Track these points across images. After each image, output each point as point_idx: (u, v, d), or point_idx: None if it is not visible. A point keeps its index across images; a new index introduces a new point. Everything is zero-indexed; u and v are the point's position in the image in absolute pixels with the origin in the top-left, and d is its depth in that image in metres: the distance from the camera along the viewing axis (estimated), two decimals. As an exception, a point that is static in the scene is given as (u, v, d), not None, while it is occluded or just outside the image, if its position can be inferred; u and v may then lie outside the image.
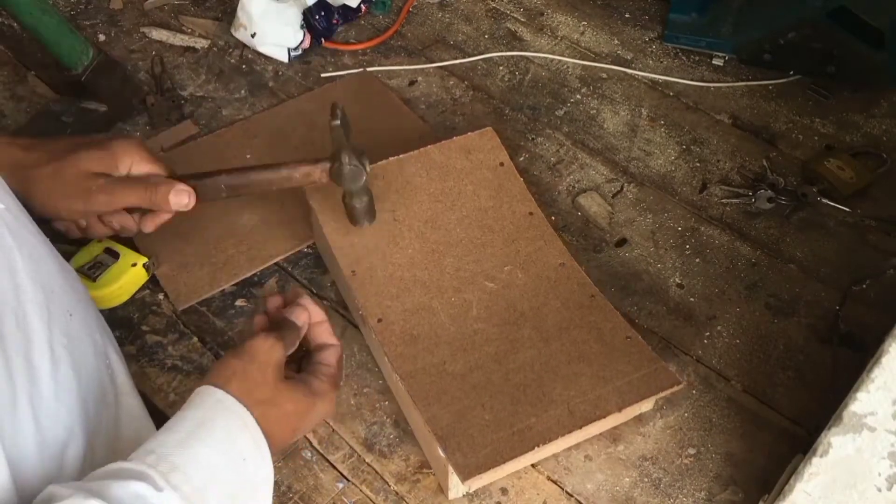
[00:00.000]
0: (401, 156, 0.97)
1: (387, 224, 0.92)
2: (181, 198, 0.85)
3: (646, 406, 0.85)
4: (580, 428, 0.78)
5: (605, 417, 0.79)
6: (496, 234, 0.93)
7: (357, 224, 0.90)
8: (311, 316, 0.75)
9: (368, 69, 1.18)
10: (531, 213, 0.95)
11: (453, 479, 0.77)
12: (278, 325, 0.73)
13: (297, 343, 0.74)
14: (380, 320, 0.86)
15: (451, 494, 0.80)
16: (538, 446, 0.77)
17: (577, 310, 0.88)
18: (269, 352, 0.69)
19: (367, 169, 0.87)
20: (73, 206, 0.83)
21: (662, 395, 0.82)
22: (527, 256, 0.92)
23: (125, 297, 0.92)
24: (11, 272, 0.61)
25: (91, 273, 0.90)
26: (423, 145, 0.99)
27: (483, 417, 0.79)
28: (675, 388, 0.81)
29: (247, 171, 0.88)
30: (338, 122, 0.83)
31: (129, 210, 0.86)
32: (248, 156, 1.06)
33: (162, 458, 0.58)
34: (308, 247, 0.99)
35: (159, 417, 0.82)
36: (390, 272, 0.89)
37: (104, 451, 0.67)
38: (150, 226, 0.88)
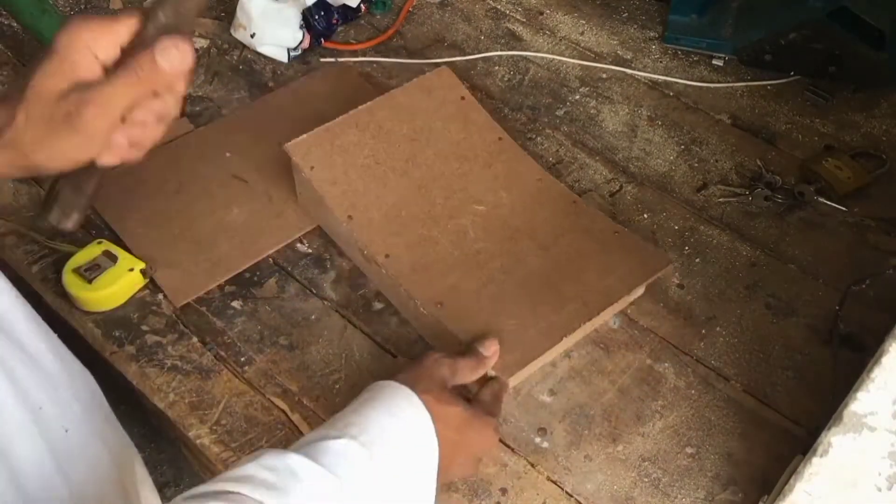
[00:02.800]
0: (368, 103, 1.00)
1: (370, 168, 0.96)
2: (168, 55, 0.61)
3: (639, 291, 0.93)
4: (597, 315, 0.87)
5: (615, 301, 0.88)
6: (473, 162, 0.99)
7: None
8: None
9: (369, 69, 1.19)
10: (500, 139, 1.01)
11: None
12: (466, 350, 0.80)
13: (475, 376, 0.79)
14: (387, 256, 0.90)
15: None
16: (565, 337, 0.85)
17: (564, 217, 0.96)
18: (436, 361, 0.75)
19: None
20: (71, 143, 0.63)
21: (658, 274, 0.91)
22: (506, 177, 0.98)
23: (119, 301, 0.92)
24: None
25: (87, 275, 0.90)
26: None
27: (508, 323, 0.85)
28: (667, 267, 0.92)
29: None
30: None
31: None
32: (228, 154, 1.07)
33: (337, 419, 0.67)
34: (301, 240, 0.99)
35: (160, 417, 0.83)
36: (384, 212, 0.93)
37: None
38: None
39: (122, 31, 0.63)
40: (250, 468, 0.58)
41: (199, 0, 0.67)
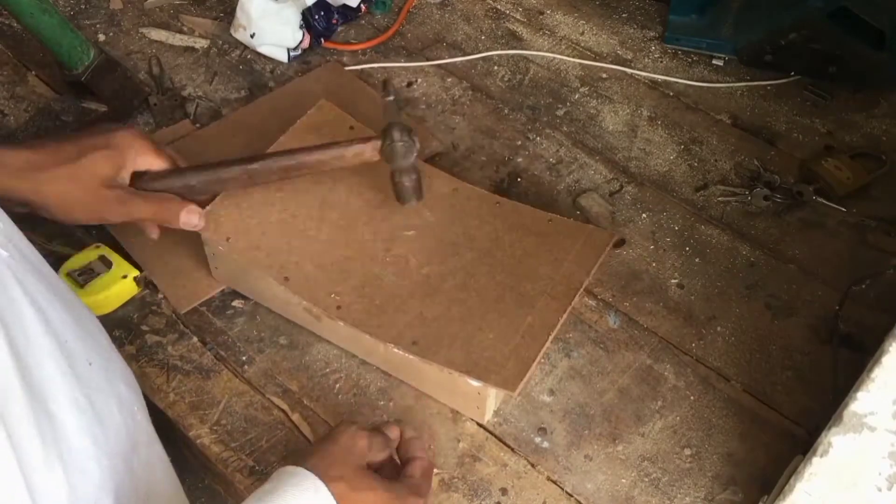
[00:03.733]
0: (257, 161, 0.94)
1: (287, 223, 0.91)
2: (191, 218, 0.87)
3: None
4: (570, 303, 0.86)
5: (581, 287, 0.87)
6: (385, 190, 0.93)
7: (405, 202, 0.89)
8: (403, 432, 0.79)
9: (367, 69, 1.19)
10: None
11: (489, 403, 0.83)
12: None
13: (385, 453, 0.75)
14: (339, 307, 0.86)
15: (487, 416, 0.85)
16: (549, 334, 0.83)
17: (493, 219, 0.94)
18: (352, 437, 0.72)
19: (417, 145, 0.86)
20: (89, 215, 0.87)
21: (608, 249, 0.90)
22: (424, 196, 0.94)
23: (111, 308, 0.91)
24: (23, 329, 0.58)
25: (80, 279, 0.90)
26: None
27: (488, 338, 0.83)
28: (613, 240, 0.92)
29: (297, 152, 0.88)
30: (391, 97, 0.83)
31: None
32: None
33: None
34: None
35: (159, 417, 0.83)
36: (317, 263, 0.89)
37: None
38: (155, 233, 0.92)
39: (163, 162, 0.89)
40: None
41: (225, 184, 0.89)
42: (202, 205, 0.89)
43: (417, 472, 0.75)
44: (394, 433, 0.78)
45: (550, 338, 0.83)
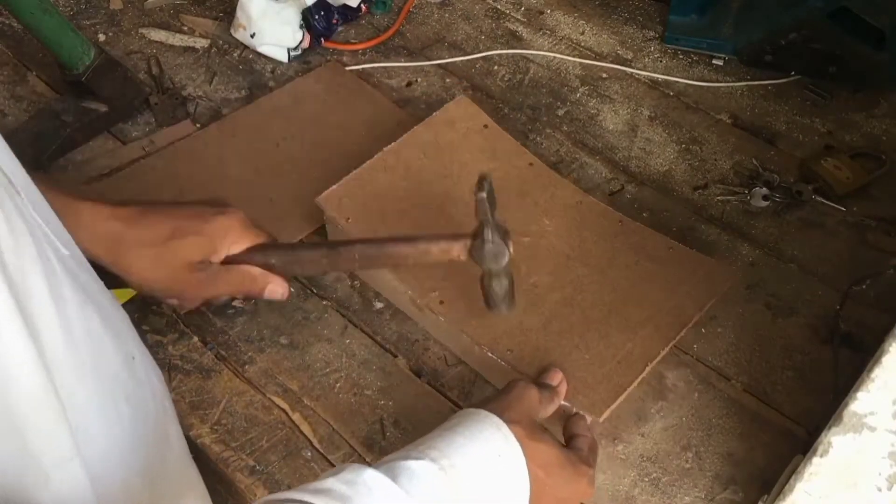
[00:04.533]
0: (392, 145, 0.98)
1: (407, 212, 0.93)
2: (276, 292, 0.85)
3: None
4: (674, 338, 0.84)
5: (690, 322, 0.85)
6: (508, 192, 0.94)
7: (494, 309, 0.83)
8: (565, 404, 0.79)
9: (367, 68, 1.19)
10: (531, 164, 0.99)
11: None
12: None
13: (554, 405, 0.76)
14: (441, 302, 0.87)
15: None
16: (647, 365, 0.82)
17: (613, 238, 0.92)
18: (524, 388, 0.73)
19: (510, 249, 0.80)
20: (170, 294, 0.85)
21: (727, 287, 0.88)
22: (545, 204, 0.95)
23: None
24: (85, 322, 0.59)
25: None
26: (403, 131, 1.00)
27: (584, 358, 0.83)
28: (735, 278, 0.89)
29: (383, 242, 0.83)
30: (484, 194, 0.78)
31: None
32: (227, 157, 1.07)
33: (421, 441, 0.66)
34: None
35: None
36: None
37: (159, 492, 0.66)
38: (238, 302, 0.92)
39: (256, 242, 0.83)
40: (329, 482, 0.59)
41: (304, 267, 0.86)
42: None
43: (585, 445, 0.75)
44: (556, 379, 0.79)
45: (648, 369, 0.82)
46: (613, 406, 0.80)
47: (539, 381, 0.79)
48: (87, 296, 0.60)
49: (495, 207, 0.79)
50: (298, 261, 0.85)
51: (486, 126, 1.01)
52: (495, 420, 0.68)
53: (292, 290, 0.88)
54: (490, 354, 0.83)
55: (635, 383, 0.81)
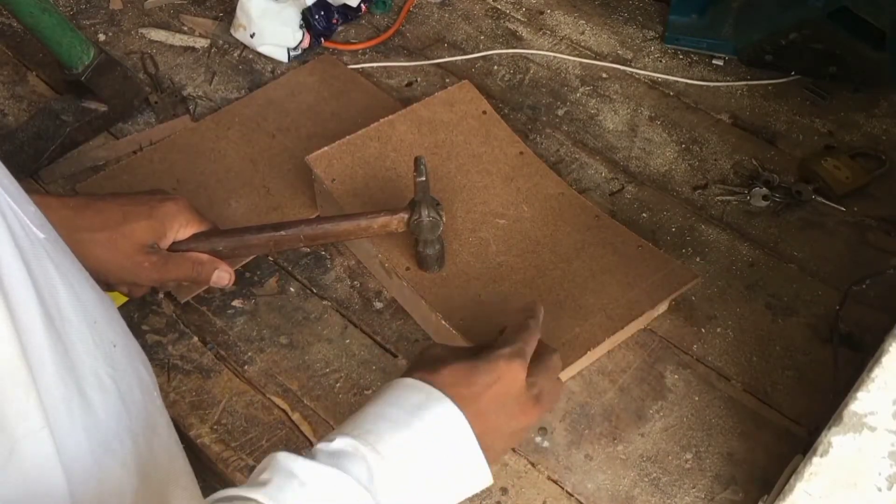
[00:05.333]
0: (390, 116, 1.00)
1: (392, 181, 0.96)
2: (223, 277, 0.88)
3: (663, 307, 0.92)
4: (621, 328, 0.86)
5: (641, 316, 0.87)
6: (494, 176, 0.99)
7: (427, 270, 0.90)
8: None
9: (367, 68, 1.19)
10: (521, 153, 1.01)
11: None
12: (520, 331, 0.73)
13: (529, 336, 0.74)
14: (408, 269, 0.90)
15: None
16: (589, 350, 0.84)
17: (586, 231, 0.95)
18: (514, 374, 0.69)
19: (443, 220, 0.87)
20: (124, 278, 0.86)
21: (685, 289, 0.90)
22: (527, 191, 0.98)
23: None
24: (56, 304, 0.59)
25: None
26: None
27: None
28: (694, 282, 0.90)
29: (324, 221, 0.89)
30: (423, 178, 0.85)
31: None
32: (223, 149, 1.07)
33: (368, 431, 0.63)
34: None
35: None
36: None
37: (145, 483, 0.66)
38: (185, 295, 0.93)
39: (201, 229, 0.87)
40: (264, 474, 0.60)
41: (251, 250, 0.91)
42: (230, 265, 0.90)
43: (544, 383, 0.72)
44: (537, 312, 0.77)
45: (588, 354, 0.85)
46: None
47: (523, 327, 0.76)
48: (63, 279, 0.60)
49: (430, 187, 0.87)
50: (245, 244, 0.89)
51: (484, 112, 1.04)
52: (402, 379, 0.67)
53: (239, 276, 0.89)
54: (443, 322, 0.86)
55: (573, 365, 0.84)
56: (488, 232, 0.93)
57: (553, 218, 0.96)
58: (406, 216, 0.87)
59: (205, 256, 0.88)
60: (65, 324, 0.59)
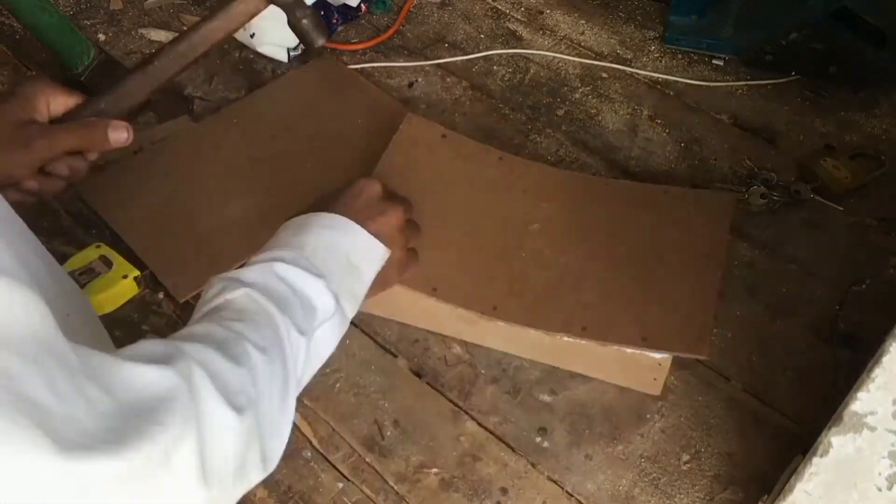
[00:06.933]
0: (378, 166, 0.97)
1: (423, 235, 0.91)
2: (120, 133, 0.82)
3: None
4: (723, 258, 0.90)
5: (725, 242, 0.92)
6: (496, 189, 0.97)
7: (313, 44, 0.86)
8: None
9: (367, 68, 1.19)
10: (501, 158, 1.01)
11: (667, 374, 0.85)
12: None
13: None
14: (495, 308, 0.87)
15: (660, 388, 0.86)
16: (715, 292, 0.88)
17: (608, 200, 0.96)
18: (372, 184, 0.81)
19: None
20: (16, 159, 0.80)
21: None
22: (534, 189, 0.97)
23: (111, 308, 0.91)
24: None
25: (81, 279, 0.90)
26: (397, 122, 1.02)
27: (655, 310, 0.86)
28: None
29: (186, 33, 0.85)
30: None
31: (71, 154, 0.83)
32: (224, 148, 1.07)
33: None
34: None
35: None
36: (461, 269, 0.90)
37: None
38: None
39: (71, 100, 0.83)
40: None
41: (133, 95, 0.86)
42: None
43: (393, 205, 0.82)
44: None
45: (717, 295, 0.86)
46: (708, 340, 0.85)
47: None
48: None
49: None
50: (126, 93, 0.85)
51: (444, 136, 1.02)
52: (303, 217, 0.77)
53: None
54: (567, 339, 0.85)
55: (714, 312, 0.86)
56: (533, 242, 0.91)
57: (573, 202, 0.95)
58: None
59: (93, 119, 0.83)
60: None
